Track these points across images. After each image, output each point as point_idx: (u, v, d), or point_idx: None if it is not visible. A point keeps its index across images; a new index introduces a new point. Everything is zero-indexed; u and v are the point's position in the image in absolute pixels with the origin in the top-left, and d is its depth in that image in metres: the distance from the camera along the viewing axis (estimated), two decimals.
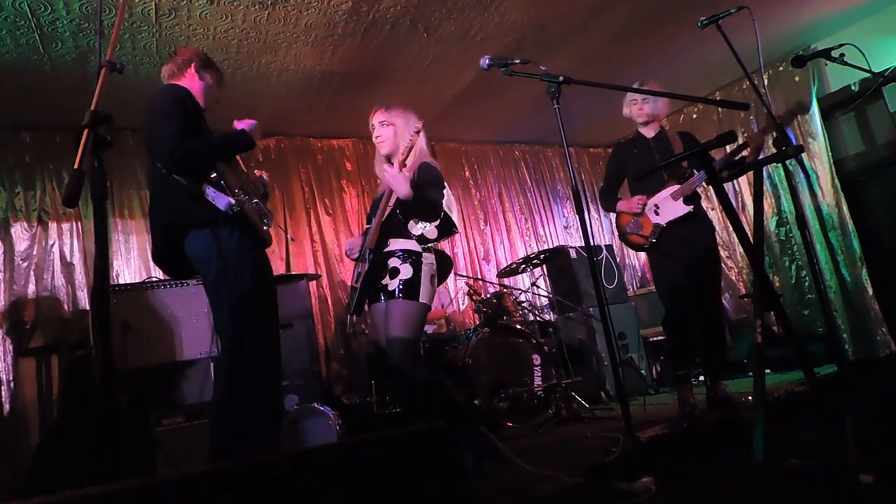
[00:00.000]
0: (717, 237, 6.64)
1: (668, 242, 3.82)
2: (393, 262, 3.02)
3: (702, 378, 5.42)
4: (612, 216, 4.29)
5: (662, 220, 3.82)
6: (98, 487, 1.17)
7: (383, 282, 3.02)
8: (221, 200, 2.56)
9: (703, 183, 3.83)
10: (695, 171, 3.83)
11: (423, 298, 2.96)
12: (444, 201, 3.08)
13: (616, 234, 4.18)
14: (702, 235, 3.88)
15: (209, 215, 2.57)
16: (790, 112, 3.47)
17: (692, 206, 3.80)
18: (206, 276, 2.64)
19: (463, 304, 6.30)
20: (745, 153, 3.67)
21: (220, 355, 2.69)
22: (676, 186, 3.83)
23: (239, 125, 2.86)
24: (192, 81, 2.89)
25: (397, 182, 2.92)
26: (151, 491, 1.20)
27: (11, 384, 4.36)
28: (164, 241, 2.71)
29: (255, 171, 3.15)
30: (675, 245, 3.80)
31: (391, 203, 3.10)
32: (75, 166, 1.56)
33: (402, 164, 2.96)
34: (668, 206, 3.82)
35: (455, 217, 3.19)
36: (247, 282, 2.60)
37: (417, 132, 2.98)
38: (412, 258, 3.00)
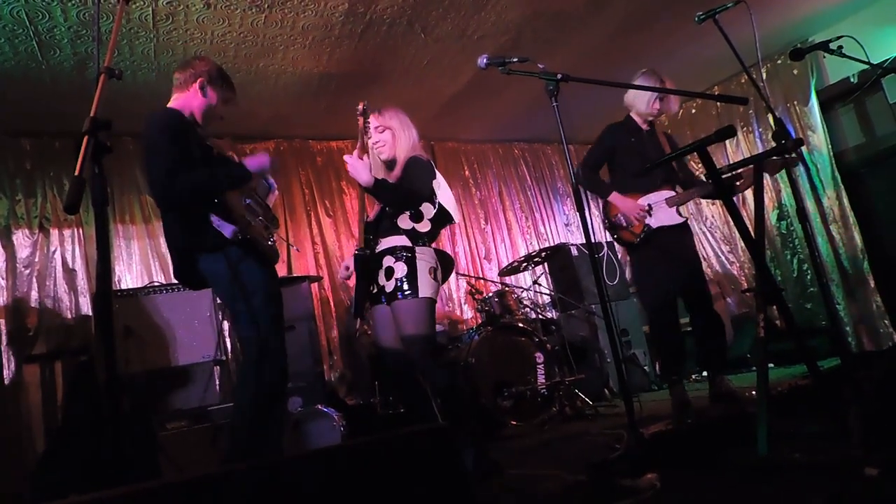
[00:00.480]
0: (718, 231, 6.71)
1: (656, 246, 3.79)
2: (387, 261, 2.97)
3: (704, 374, 5.45)
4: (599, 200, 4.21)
5: (654, 222, 3.78)
6: (102, 492, 1.18)
7: (380, 283, 3.00)
8: (226, 229, 2.64)
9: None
10: (677, 186, 3.88)
11: (423, 293, 2.90)
12: (438, 191, 3.06)
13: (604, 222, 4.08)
14: (688, 241, 3.90)
15: (216, 240, 2.64)
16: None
17: (685, 219, 3.82)
18: (224, 294, 2.76)
19: (465, 303, 6.30)
20: (738, 183, 3.64)
21: (243, 366, 2.76)
22: (670, 192, 3.81)
23: (248, 161, 2.92)
24: (192, 98, 2.87)
25: (356, 170, 2.89)
26: (156, 495, 1.21)
27: (16, 390, 4.37)
28: (179, 260, 2.79)
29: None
30: (664, 250, 3.78)
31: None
32: (76, 173, 1.56)
33: (363, 152, 2.96)
34: (661, 210, 3.79)
35: (452, 207, 3.14)
36: (262, 295, 2.68)
37: (360, 113, 2.98)
38: (406, 255, 2.95)
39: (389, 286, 2.93)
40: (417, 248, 2.97)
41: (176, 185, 2.57)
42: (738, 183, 3.59)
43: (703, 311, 3.79)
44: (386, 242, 3.02)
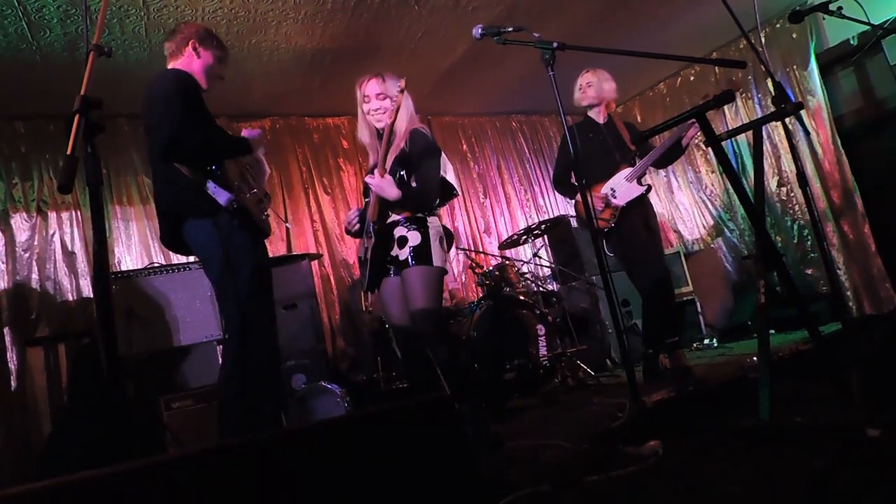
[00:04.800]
0: (718, 199, 6.69)
1: (629, 224, 3.91)
2: (399, 231, 2.98)
3: (706, 341, 5.48)
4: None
5: (621, 201, 3.90)
6: (110, 467, 1.18)
7: (392, 253, 3.00)
8: (222, 196, 2.61)
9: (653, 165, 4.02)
10: (637, 158, 4.00)
11: (436, 262, 2.92)
12: (444, 166, 3.06)
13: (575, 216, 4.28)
14: (651, 210, 4.08)
15: (210, 206, 2.62)
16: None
17: (648, 186, 3.96)
18: (209, 264, 2.73)
19: (465, 277, 6.30)
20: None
21: (227, 340, 2.75)
22: (629, 169, 3.93)
23: (245, 133, 2.94)
24: (190, 61, 2.86)
25: (384, 190, 2.89)
26: (162, 469, 1.21)
27: (20, 374, 4.39)
28: (167, 226, 2.77)
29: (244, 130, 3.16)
30: (636, 225, 3.91)
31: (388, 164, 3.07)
32: (68, 152, 1.55)
33: (383, 171, 2.90)
34: (623, 188, 3.92)
35: (453, 179, 3.14)
36: (250, 268, 2.66)
37: (401, 90, 2.86)
38: (417, 224, 2.96)
39: (403, 254, 2.94)
40: (428, 219, 3.00)
41: (188, 136, 2.57)
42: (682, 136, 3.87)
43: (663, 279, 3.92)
44: (397, 213, 3.02)
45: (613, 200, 3.90)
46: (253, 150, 2.85)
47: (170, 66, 2.87)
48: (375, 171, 2.92)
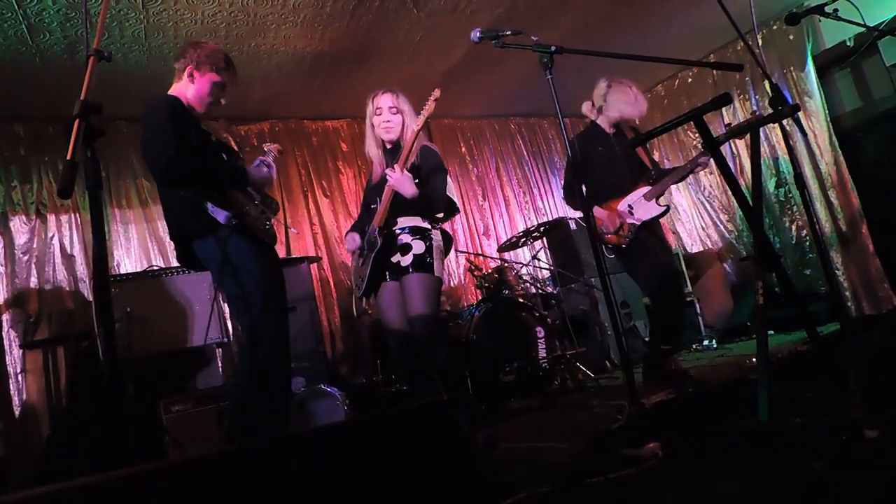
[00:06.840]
0: (717, 201, 6.69)
1: (646, 236, 3.84)
2: (403, 238, 3.05)
3: (706, 343, 5.48)
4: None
5: (637, 219, 3.83)
6: (110, 473, 1.19)
7: (393, 259, 3.05)
8: (220, 214, 2.67)
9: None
10: (656, 177, 3.92)
11: (436, 273, 3.01)
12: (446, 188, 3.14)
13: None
14: (661, 226, 3.99)
15: (210, 225, 2.67)
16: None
17: (666, 206, 3.86)
18: (220, 279, 2.78)
19: (465, 279, 6.30)
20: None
21: (242, 350, 2.80)
22: (648, 188, 3.85)
23: (266, 156, 3.01)
24: (185, 86, 2.90)
25: (402, 185, 2.95)
26: (163, 474, 1.21)
27: (20, 377, 4.39)
28: (181, 248, 2.85)
29: (264, 145, 3.17)
30: (649, 240, 3.85)
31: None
32: (68, 157, 1.55)
33: (404, 166, 2.97)
34: (642, 206, 3.84)
35: (455, 198, 3.23)
36: (256, 278, 2.68)
37: (436, 99, 2.93)
38: (421, 234, 3.05)
39: (405, 261, 3.01)
40: (432, 231, 3.09)
41: (182, 165, 2.61)
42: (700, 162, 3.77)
43: (678, 290, 3.91)
44: (403, 221, 3.10)
45: (630, 218, 3.82)
46: (248, 183, 2.88)
47: (171, 88, 2.91)
48: (396, 165, 2.97)
